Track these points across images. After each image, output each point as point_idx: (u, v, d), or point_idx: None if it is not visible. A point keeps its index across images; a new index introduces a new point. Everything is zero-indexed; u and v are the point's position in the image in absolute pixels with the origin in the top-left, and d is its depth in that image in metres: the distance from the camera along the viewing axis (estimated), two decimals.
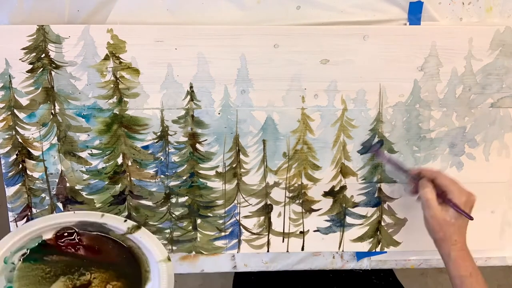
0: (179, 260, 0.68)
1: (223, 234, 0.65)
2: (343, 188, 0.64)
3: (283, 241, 0.66)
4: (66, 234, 0.59)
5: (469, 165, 0.65)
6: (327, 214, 0.65)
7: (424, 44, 0.60)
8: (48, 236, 0.60)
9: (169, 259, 0.60)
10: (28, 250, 0.59)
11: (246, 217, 0.65)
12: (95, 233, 0.60)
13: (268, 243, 0.66)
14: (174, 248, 0.65)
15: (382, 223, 0.66)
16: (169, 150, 0.62)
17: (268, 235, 0.66)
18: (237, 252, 0.67)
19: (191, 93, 0.60)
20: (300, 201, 0.65)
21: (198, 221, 0.65)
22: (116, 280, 0.60)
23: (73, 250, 0.60)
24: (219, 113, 0.61)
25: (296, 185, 0.64)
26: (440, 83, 0.62)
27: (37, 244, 0.59)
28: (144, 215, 0.64)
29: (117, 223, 0.60)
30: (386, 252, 0.68)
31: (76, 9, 0.59)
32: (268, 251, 0.66)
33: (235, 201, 0.64)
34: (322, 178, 0.64)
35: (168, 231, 0.65)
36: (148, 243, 0.60)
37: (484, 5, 0.61)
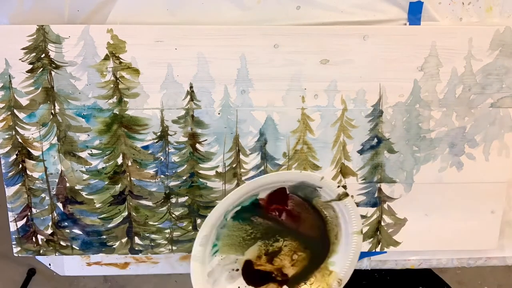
0: (179, 260, 0.68)
1: None
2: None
3: None
4: (278, 195, 0.58)
5: (469, 165, 0.65)
6: None
7: (424, 44, 0.60)
8: (263, 195, 0.58)
9: (361, 232, 0.59)
10: (241, 207, 0.57)
11: None
12: (301, 198, 0.59)
13: None
14: (174, 248, 0.65)
15: (382, 223, 0.66)
16: (169, 150, 0.62)
17: None
18: None
19: (191, 93, 0.60)
20: None
21: (198, 221, 0.65)
22: (303, 251, 0.59)
23: (277, 213, 0.58)
24: (219, 113, 0.61)
25: None
26: (440, 83, 0.62)
27: (250, 202, 0.58)
28: (144, 215, 0.64)
29: (331, 187, 0.58)
30: (386, 252, 0.68)
31: (76, 9, 0.59)
32: None
33: None
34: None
35: (168, 231, 0.65)
36: (349, 213, 0.58)
37: (484, 5, 0.61)
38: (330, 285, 0.58)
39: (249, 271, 0.57)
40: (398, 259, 0.69)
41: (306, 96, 0.61)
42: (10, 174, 0.62)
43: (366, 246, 0.66)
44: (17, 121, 0.60)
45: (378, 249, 0.67)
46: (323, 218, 0.60)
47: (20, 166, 0.62)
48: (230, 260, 0.56)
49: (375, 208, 0.65)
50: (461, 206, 0.66)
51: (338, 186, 0.58)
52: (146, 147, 0.62)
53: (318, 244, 0.60)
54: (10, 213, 0.63)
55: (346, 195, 0.58)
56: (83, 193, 0.63)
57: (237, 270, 0.56)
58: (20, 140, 0.61)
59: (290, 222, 0.59)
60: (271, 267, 0.58)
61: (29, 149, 0.61)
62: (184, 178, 0.63)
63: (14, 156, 0.61)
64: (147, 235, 0.65)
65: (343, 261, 0.59)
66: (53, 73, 0.59)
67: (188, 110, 0.61)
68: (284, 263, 0.58)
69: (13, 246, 0.65)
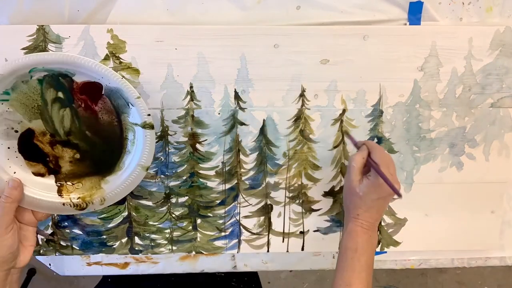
0: (179, 260, 0.68)
1: (223, 234, 0.65)
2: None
3: (283, 241, 0.66)
4: (92, 88, 0.55)
5: (469, 165, 0.65)
6: (327, 214, 0.65)
7: (424, 44, 0.60)
8: (79, 79, 0.55)
9: (147, 169, 0.57)
10: (51, 75, 0.53)
11: (246, 217, 0.65)
12: (113, 106, 0.56)
13: (268, 243, 0.66)
14: (174, 248, 0.65)
15: (382, 223, 0.66)
16: (169, 150, 0.62)
17: (268, 235, 0.66)
18: (237, 252, 0.67)
19: (191, 93, 0.60)
20: (300, 201, 0.65)
21: (198, 221, 0.65)
22: (87, 156, 0.57)
23: (82, 105, 0.55)
24: (219, 113, 0.61)
25: (296, 185, 0.64)
26: (440, 83, 0.62)
27: (60, 74, 0.54)
28: (144, 215, 0.64)
29: (141, 111, 0.55)
30: (386, 252, 0.68)
31: (76, 9, 0.59)
32: (268, 251, 0.66)
33: (235, 201, 0.64)
34: (322, 178, 0.64)
35: (168, 231, 0.65)
36: (145, 145, 0.56)
37: (484, 5, 0.61)
38: (92, 199, 0.56)
39: (27, 139, 0.53)
40: (398, 259, 0.69)
41: (306, 96, 0.61)
42: None
43: None
44: None
45: (378, 249, 0.67)
46: (121, 138, 0.57)
47: None
48: (15, 118, 0.53)
49: None
50: (461, 206, 0.66)
51: (149, 115, 0.55)
52: None
53: (104, 158, 0.57)
54: None
55: (151, 127, 0.55)
56: None
57: (16, 131, 0.53)
58: None
59: (89, 122, 0.56)
60: (49, 150, 0.55)
61: None
62: (184, 178, 0.63)
63: None
64: (147, 235, 0.65)
65: (115, 185, 0.57)
66: None
67: (188, 110, 0.61)
68: (64, 154, 0.56)
69: None
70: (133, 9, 0.59)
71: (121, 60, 0.59)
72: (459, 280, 1.48)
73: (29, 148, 0.54)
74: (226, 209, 0.64)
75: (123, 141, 0.57)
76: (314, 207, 0.65)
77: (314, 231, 0.66)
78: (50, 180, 0.56)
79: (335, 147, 0.63)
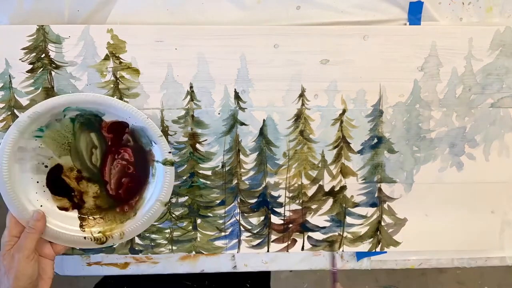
0: (179, 260, 0.68)
1: (223, 234, 0.65)
2: (343, 188, 0.64)
3: (283, 241, 0.66)
4: (119, 126, 0.57)
5: (469, 165, 0.65)
6: (327, 214, 0.65)
7: (424, 44, 0.60)
8: (108, 119, 0.57)
9: (166, 204, 0.59)
10: (83, 114, 0.56)
11: (246, 217, 0.65)
12: (137, 144, 0.58)
13: (268, 243, 0.66)
14: (174, 248, 0.65)
15: (382, 223, 0.66)
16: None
17: (268, 235, 0.66)
18: (237, 252, 0.67)
19: (191, 93, 0.60)
20: (300, 201, 0.65)
21: (198, 221, 0.65)
22: (109, 195, 0.59)
23: (109, 143, 0.58)
24: (219, 113, 0.61)
25: (296, 185, 0.64)
26: (440, 83, 0.62)
27: (92, 114, 0.56)
28: None
29: (163, 149, 0.57)
30: (386, 252, 0.68)
31: (76, 9, 0.59)
32: (268, 251, 0.66)
33: (235, 201, 0.64)
34: (322, 178, 0.64)
35: (168, 231, 0.65)
36: (164, 181, 0.58)
37: (484, 5, 0.61)
38: (112, 233, 0.58)
39: (55, 174, 0.56)
40: (398, 259, 0.69)
41: (306, 96, 0.61)
42: None
43: (366, 246, 0.67)
44: None
45: (378, 249, 0.67)
46: (143, 174, 0.59)
47: None
48: (46, 154, 0.55)
49: (375, 208, 0.65)
50: (461, 206, 0.66)
51: (170, 152, 0.57)
52: None
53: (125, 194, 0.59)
54: None
55: (172, 164, 0.57)
56: None
57: (46, 166, 0.56)
58: None
59: (113, 159, 0.58)
60: (75, 185, 0.57)
61: None
62: (184, 178, 0.63)
63: None
64: (147, 235, 0.65)
65: (135, 219, 0.59)
66: (53, 73, 0.59)
67: (188, 110, 0.61)
68: (88, 190, 0.58)
69: None
70: (133, 9, 0.59)
71: (121, 60, 0.59)
72: (459, 280, 1.48)
73: (56, 182, 0.56)
74: (226, 209, 0.64)
75: (144, 177, 0.59)
76: (314, 207, 0.65)
77: (314, 231, 0.66)
78: (73, 214, 0.58)
79: (335, 147, 0.63)
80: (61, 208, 0.57)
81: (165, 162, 0.57)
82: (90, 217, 0.57)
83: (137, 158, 0.58)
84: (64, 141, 0.56)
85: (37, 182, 0.56)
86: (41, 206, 0.56)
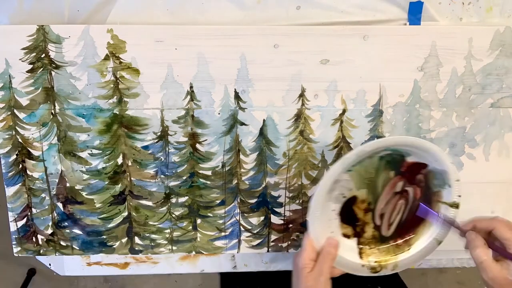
0: (179, 260, 0.68)
1: (223, 234, 0.65)
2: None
3: (283, 241, 0.66)
4: (417, 167, 0.57)
5: (469, 165, 0.65)
6: None
7: (424, 44, 0.60)
8: (410, 159, 0.56)
9: (439, 243, 0.58)
10: (392, 153, 0.56)
11: (246, 217, 0.65)
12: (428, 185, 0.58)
13: (268, 243, 0.66)
14: (174, 248, 0.66)
15: None
16: (169, 150, 0.62)
17: (268, 235, 0.66)
18: (237, 252, 0.67)
19: (191, 93, 0.60)
20: (300, 201, 0.65)
21: (198, 221, 0.65)
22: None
23: (406, 181, 0.58)
24: (219, 113, 0.61)
25: (296, 185, 0.64)
26: (440, 83, 0.62)
27: (400, 154, 0.56)
28: (144, 215, 0.64)
29: (454, 192, 0.56)
30: None
31: (76, 9, 0.59)
32: (268, 251, 0.66)
33: (235, 201, 0.64)
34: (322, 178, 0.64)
35: (168, 231, 0.65)
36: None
37: (484, 5, 0.61)
38: (386, 264, 0.58)
39: (348, 205, 0.57)
40: None
41: (306, 96, 0.61)
42: (10, 174, 0.62)
43: None
44: (17, 121, 0.60)
45: None
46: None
47: (20, 166, 0.62)
48: (348, 186, 0.57)
49: None
50: (461, 206, 0.66)
51: (459, 196, 0.57)
52: (146, 147, 0.62)
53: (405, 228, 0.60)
54: (10, 213, 0.63)
55: (457, 207, 0.57)
56: (83, 193, 0.63)
57: (344, 197, 0.57)
58: (20, 140, 0.61)
59: (402, 196, 0.58)
60: (362, 216, 0.58)
61: (29, 149, 0.61)
62: (184, 178, 0.63)
63: (14, 156, 0.61)
64: (147, 235, 0.65)
65: (409, 253, 0.59)
66: (53, 73, 0.59)
67: (188, 110, 0.61)
68: (370, 221, 0.58)
69: (13, 246, 0.65)
70: (133, 9, 0.59)
71: (121, 60, 0.59)
72: (459, 280, 1.48)
73: (347, 211, 0.57)
74: (226, 209, 0.64)
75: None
76: None
77: None
78: (352, 242, 0.58)
79: (335, 147, 0.63)
80: (344, 235, 0.58)
81: (452, 205, 0.57)
82: (366, 247, 0.58)
83: (421, 197, 0.58)
84: (366, 176, 0.56)
85: (332, 210, 0.57)
86: (332, 232, 0.57)
